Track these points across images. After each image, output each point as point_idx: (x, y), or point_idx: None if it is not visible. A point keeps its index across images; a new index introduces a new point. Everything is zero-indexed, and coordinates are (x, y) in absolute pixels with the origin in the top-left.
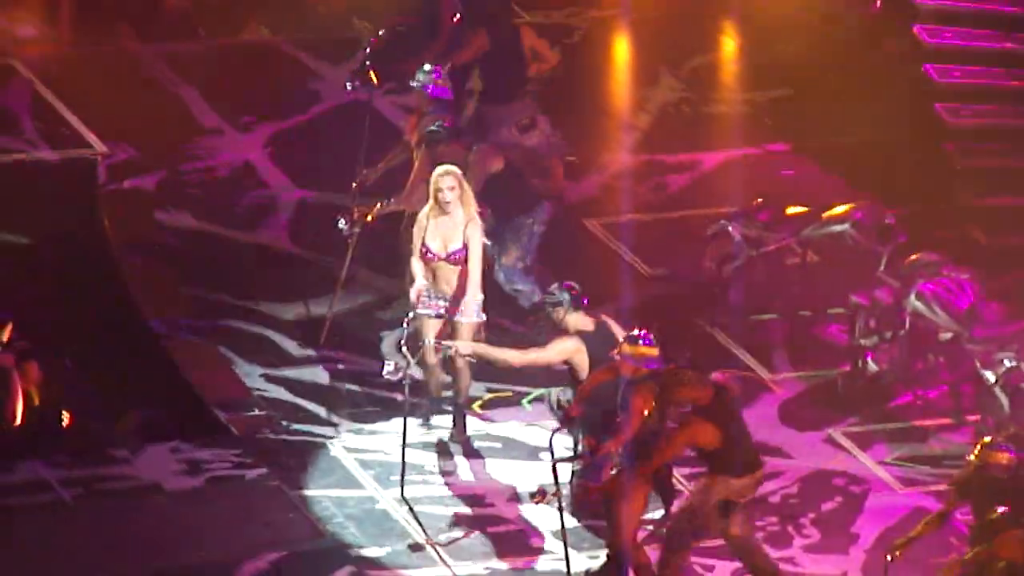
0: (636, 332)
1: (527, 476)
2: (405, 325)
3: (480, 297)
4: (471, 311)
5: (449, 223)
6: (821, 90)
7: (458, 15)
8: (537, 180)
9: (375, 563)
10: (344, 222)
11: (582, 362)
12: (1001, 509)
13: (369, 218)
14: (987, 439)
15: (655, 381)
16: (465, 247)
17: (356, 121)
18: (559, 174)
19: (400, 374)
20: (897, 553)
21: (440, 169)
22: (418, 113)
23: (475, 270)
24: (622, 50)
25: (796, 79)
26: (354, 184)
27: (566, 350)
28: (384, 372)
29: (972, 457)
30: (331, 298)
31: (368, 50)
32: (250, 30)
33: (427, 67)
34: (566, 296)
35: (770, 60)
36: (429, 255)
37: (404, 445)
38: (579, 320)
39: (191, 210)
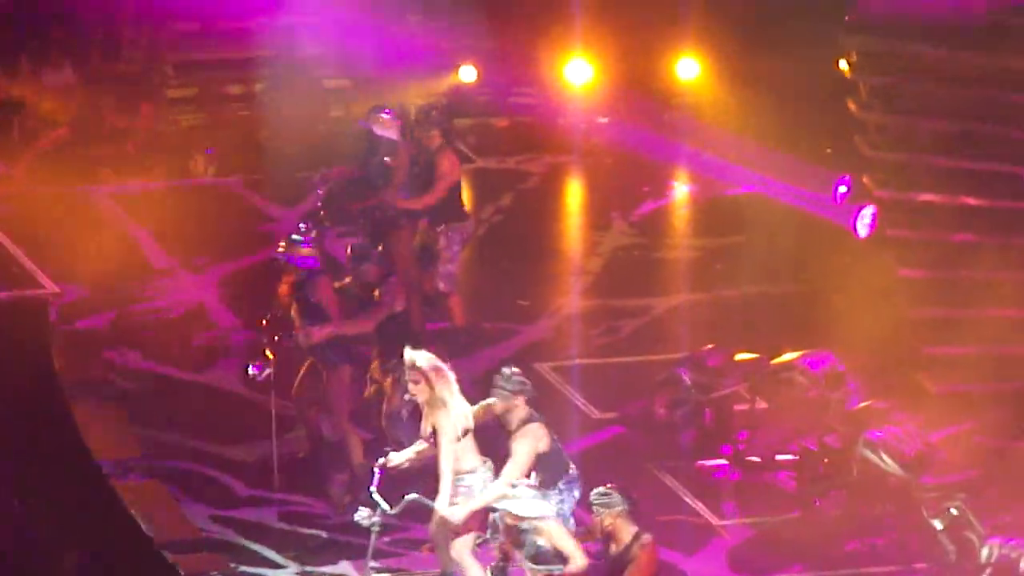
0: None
1: None
2: (376, 471)
3: (448, 487)
4: (440, 501)
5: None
6: (772, 237)
7: (408, 155)
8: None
9: None
10: (252, 368)
11: (542, 446)
12: None
13: (271, 356)
14: None
15: None
16: (433, 432)
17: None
18: (458, 310)
19: (374, 519)
20: None
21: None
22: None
23: (443, 459)
24: (575, 195)
25: (747, 225)
26: (264, 321)
27: (534, 447)
28: (357, 517)
29: None
30: (272, 439)
31: (320, 192)
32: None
33: (295, 236)
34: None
35: (721, 206)
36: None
37: None
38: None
39: (142, 350)
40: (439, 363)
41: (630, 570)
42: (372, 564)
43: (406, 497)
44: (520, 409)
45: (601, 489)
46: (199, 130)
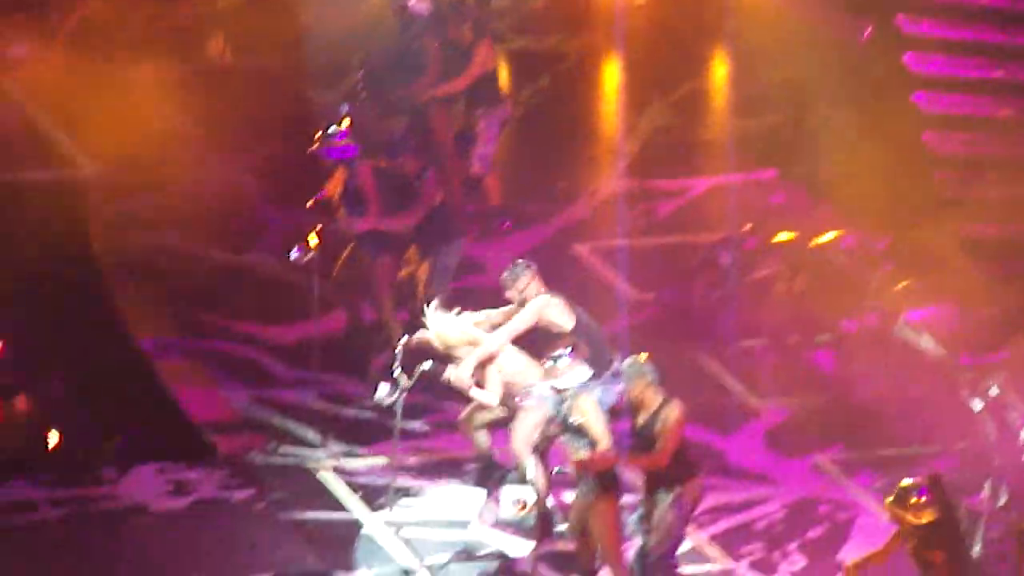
0: None
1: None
2: (398, 349)
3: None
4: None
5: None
6: (810, 117)
7: (439, 42)
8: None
9: None
10: (295, 251)
11: (559, 317)
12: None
13: (313, 242)
14: (901, 490)
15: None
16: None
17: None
18: (495, 191)
19: (393, 397)
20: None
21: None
22: (336, 173)
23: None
24: (612, 76)
25: (785, 106)
26: (307, 205)
27: (538, 309)
28: (376, 395)
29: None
30: (315, 321)
31: (362, 74)
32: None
33: (332, 128)
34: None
35: (759, 87)
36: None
37: (394, 468)
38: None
39: (180, 232)
40: (465, 341)
41: (659, 435)
42: (401, 442)
43: (420, 367)
44: (532, 289)
45: (630, 359)
46: (236, 11)
